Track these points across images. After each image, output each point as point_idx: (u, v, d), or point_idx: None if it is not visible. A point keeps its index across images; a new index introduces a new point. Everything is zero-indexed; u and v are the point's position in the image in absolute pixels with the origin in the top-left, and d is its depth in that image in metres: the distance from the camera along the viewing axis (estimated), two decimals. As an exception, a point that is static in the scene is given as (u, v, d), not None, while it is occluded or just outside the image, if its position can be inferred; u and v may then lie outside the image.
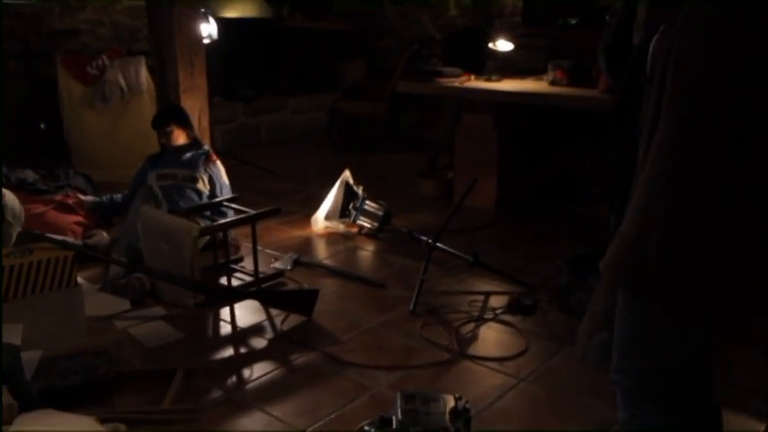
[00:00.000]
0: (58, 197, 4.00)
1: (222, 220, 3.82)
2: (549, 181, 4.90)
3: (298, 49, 7.67)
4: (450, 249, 3.57)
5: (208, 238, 3.44)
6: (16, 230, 3.12)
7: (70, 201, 4.01)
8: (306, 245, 4.13)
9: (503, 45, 4.90)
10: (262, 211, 3.44)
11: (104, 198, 4.19)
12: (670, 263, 1.34)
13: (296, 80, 7.62)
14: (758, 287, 1.35)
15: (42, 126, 6.05)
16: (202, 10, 5.13)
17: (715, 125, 1.30)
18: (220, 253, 3.46)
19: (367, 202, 4.19)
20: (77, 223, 3.94)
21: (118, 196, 4.19)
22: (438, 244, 3.54)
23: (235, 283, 3.46)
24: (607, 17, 2.46)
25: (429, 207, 4.78)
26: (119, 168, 4.96)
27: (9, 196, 3.15)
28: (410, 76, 5.53)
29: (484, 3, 6.53)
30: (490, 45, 4.95)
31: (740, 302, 1.36)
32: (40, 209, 3.85)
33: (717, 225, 1.33)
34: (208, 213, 3.81)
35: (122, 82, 5.20)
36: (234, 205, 3.68)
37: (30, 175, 4.04)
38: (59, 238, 3.64)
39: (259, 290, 3.29)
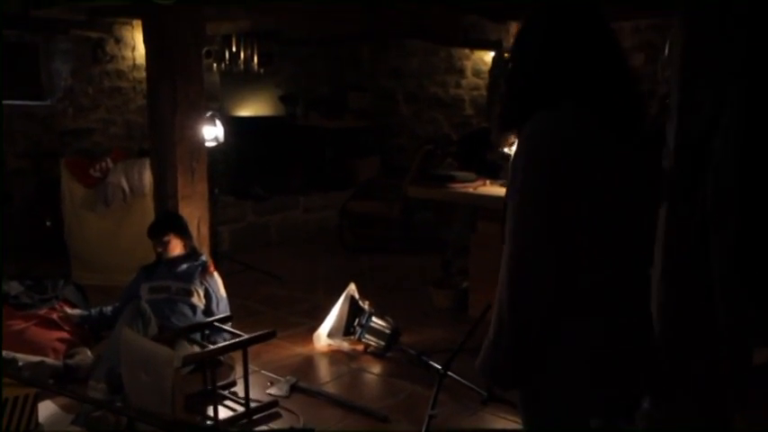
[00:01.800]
0: (42, 311, 3.75)
1: (214, 343, 3.54)
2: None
3: (310, 147, 7.57)
4: (462, 380, 3.22)
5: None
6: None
7: (55, 315, 3.75)
8: (306, 365, 3.80)
9: (519, 149, 4.68)
10: (254, 335, 3.14)
11: (93, 311, 3.93)
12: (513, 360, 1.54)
13: (308, 178, 7.49)
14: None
15: (48, 224, 5.92)
16: (209, 113, 5.03)
17: (537, 226, 1.49)
18: (211, 375, 3.14)
19: (373, 318, 3.88)
20: (60, 340, 3.66)
21: (108, 309, 3.92)
22: (449, 372, 3.20)
23: (223, 413, 3.13)
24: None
25: (442, 321, 4.45)
26: (118, 273, 4.74)
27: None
28: (422, 180, 5.33)
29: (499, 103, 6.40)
30: (505, 150, 4.74)
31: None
32: (20, 325, 3.59)
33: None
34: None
35: (125, 184, 5.04)
36: (226, 327, 3.38)
37: (14, 288, 3.81)
38: (37, 359, 3.38)
39: (246, 428, 2.94)
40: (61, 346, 3.63)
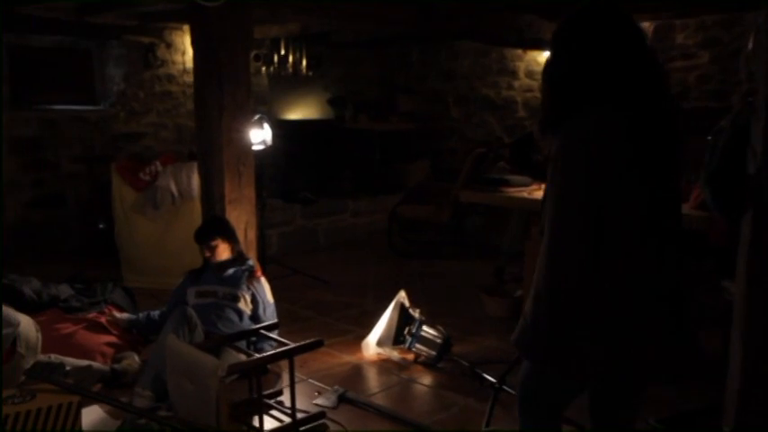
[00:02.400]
0: (91, 315, 3.73)
1: (261, 350, 3.46)
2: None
3: (359, 151, 7.48)
4: (508, 389, 3.04)
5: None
6: (30, 363, 2.81)
7: (103, 319, 3.73)
8: (355, 374, 3.68)
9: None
10: (301, 344, 3.03)
11: (140, 316, 3.90)
12: (548, 336, 1.74)
13: (357, 182, 7.40)
14: (629, 357, 1.72)
15: (101, 226, 5.97)
16: (257, 116, 4.97)
17: (573, 219, 1.68)
18: (257, 383, 3.04)
19: (424, 327, 3.74)
20: (109, 344, 3.63)
21: (155, 313, 3.89)
22: (505, 387, 3.04)
23: (269, 423, 3.03)
24: (709, 137, 2.05)
25: (495, 330, 4.28)
26: (167, 277, 4.71)
27: (25, 324, 2.86)
28: (474, 184, 5.15)
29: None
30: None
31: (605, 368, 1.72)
32: (69, 329, 3.57)
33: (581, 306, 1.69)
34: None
35: (174, 188, 5.03)
36: (272, 335, 3.28)
37: (64, 291, 3.81)
38: (84, 363, 3.36)
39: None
40: (109, 351, 3.61)
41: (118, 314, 3.86)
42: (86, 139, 6.46)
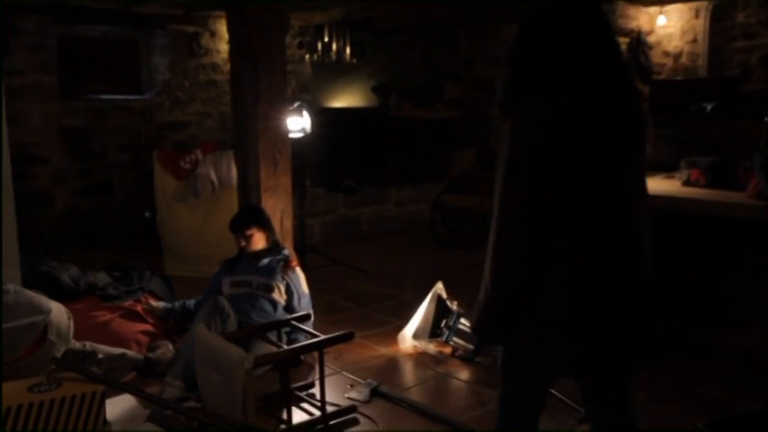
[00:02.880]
0: (128, 303, 3.73)
1: (295, 341, 3.40)
2: (684, 300, 4.11)
3: (403, 139, 7.37)
4: (557, 394, 2.90)
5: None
6: (61, 350, 2.81)
7: (139, 307, 3.73)
8: (390, 367, 3.59)
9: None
10: (330, 337, 2.95)
11: (176, 304, 3.88)
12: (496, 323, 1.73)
13: (401, 170, 7.29)
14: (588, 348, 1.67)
15: (147, 215, 6.02)
16: (297, 103, 4.91)
17: (518, 205, 1.63)
18: (290, 374, 2.98)
19: (462, 320, 3.62)
20: (144, 332, 3.63)
21: (191, 302, 3.87)
22: (543, 384, 2.89)
23: (299, 417, 2.96)
24: (767, 119, 1.87)
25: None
26: (207, 265, 4.70)
27: (56, 312, 2.86)
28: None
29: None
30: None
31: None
32: (105, 317, 3.59)
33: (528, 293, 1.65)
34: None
35: (214, 176, 5.02)
36: (303, 326, 3.21)
37: (101, 279, 3.82)
38: (118, 351, 3.36)
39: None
40: (145, 339, 3.61)
41: (154, 303, 3.86)
42: (132, 128, 6.54)
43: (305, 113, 4.80)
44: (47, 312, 2.79)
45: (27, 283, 3.39)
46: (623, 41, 6.23)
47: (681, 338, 3.87)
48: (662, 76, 6.11)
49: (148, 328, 3.67)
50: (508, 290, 1.67)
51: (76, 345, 3.20)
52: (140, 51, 6.75)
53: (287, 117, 4.16)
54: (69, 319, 2.94)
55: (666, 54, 6.14)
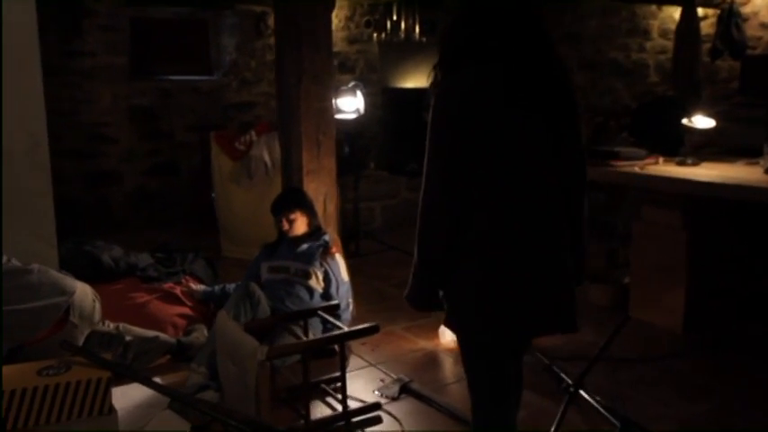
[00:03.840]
0: (167, 285, 3.71)
1: (330, 331, 3.27)
2: (760, 298, 3.70)
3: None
4: (594, 402, 2.64)
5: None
6: (85, 333, 2.80)
7: (178, 290, 3.71)
8: (427, 362, 3.41)
9: (701, 122, 3.86)
10: (352, 330, 2.80)
11: (216, 288, 3.84)
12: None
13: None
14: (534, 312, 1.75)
15: (213, 195, 6.07)
16: (352, 83, 4.76)
17: (440, 177, 1.71)
18: (319, 365, 2.87)
19: (505, 315, 3.38)
20: (181, 315, 3.61)
21: (230, 286, 3.81)
22: (581, 391, 2.64)
23: (318, 412, 2.84)
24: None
25: (595, 320, 3.81)
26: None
27: (80, 293, 2.85)
28: (588, 157, 4.65)
29: (688, 68, 5.44)
30: (684, 121, 3.95)
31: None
32: (143, 298, 3.58)
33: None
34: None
35: (267, 157, 4.95)
36: (327, 316, 3.07)
37: (143, 260, 3.82)
38: (152, 334, 3.34)
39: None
40: (181, 322, 3.59)
41: (194, 286, 3.83)
42: (199, 108, 6.59)
43: (359, 94, 4.64)
44: (70, 293, 2.78)
45: (68, 263, 3.42)
46: (712, 13, 5.70)
47: (756, 341, 3.49)
48: (757, 51, 5.56)
49: (186, 311, 3.64)
50: (430, 256, 1.74)
51: (109, 326, 3.20)
52: (209, 32, 6.77)
53: (334, 98, 4.01)
54: (95, 301, 2.93)
55: (764, 26, 5.57)
